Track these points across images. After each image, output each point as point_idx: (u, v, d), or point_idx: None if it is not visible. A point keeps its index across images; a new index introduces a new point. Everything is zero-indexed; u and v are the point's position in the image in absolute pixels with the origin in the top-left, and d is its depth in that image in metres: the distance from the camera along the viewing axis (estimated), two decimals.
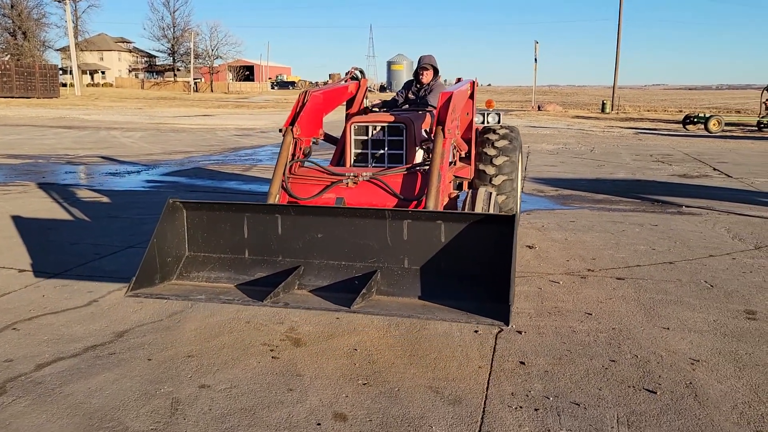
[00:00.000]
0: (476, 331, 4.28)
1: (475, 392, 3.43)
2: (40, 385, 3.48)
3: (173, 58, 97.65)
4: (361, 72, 6.51)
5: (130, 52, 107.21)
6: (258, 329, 4.31)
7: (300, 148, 5.13)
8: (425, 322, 4.40)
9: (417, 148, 5.34)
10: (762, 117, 29.01)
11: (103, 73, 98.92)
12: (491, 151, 6.23)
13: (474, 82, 6.05)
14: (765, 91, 30.74)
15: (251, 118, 33.14)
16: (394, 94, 6.83)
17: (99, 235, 6.91)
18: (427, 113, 5.95)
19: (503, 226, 3.52)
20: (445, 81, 8.33)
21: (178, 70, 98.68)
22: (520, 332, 4.28)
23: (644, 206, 9.16)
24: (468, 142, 6.07)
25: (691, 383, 3.54)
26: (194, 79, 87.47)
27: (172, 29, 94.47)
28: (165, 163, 13.64)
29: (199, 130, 23.67)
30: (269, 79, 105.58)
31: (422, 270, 3.78)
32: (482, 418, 3.17)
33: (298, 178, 4.96)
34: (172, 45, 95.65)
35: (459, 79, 6.25)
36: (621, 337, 4.21)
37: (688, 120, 29.13)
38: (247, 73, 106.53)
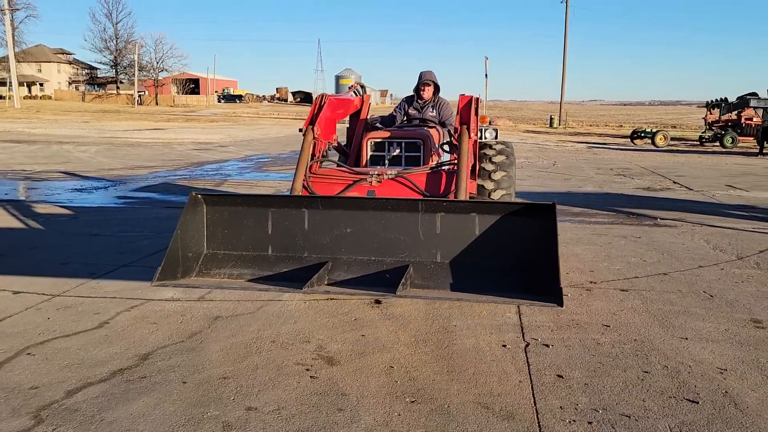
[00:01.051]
0: (504, 345, 4.31)
1: (524, 407, 3.45)
2: (77, 412, 3.33)
3: (116, 71, 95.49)
4: (363, 87, 6.51)
5: (70, 63, 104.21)
6: (286, 348, 4.23)
7: (319, 150, 5.11)
8: (453, 337, 4.42)
9: (434, 155, 5.38)
10: (703, 132, 30.33)
11: (41, 85, 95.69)
12: (489, 166, 6.32)
13: (476, 98, 6.13)
14: (706, 108, 32.18)
15: (205, 132, 32.63)
16: (392, 109, 6.86)
17: (87, 254, 6.67)
18: (436, 129, 5.99)
19: (544, 213, 3.60)
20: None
21: (121, 82, 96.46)
22: (547, 345, 4.33)
23: (621, 219, 9.43)
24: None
25: (726, 392, 3.65)
26: (138, 91, 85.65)
27: (114, 41, 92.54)
28: (131, 179, 13.29)
29: (155, 144, 23.17)
30: (216, 92, 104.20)
31: (456, 263, 3.83)
32: None
33: (319, 177, 4.94)
34: (115, 57, 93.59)
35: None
36: (645, 348, 4.31)
37: (635, 135, 30.21)
38: (192, 86, 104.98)
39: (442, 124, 6.58)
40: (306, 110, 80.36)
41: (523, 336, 4.50)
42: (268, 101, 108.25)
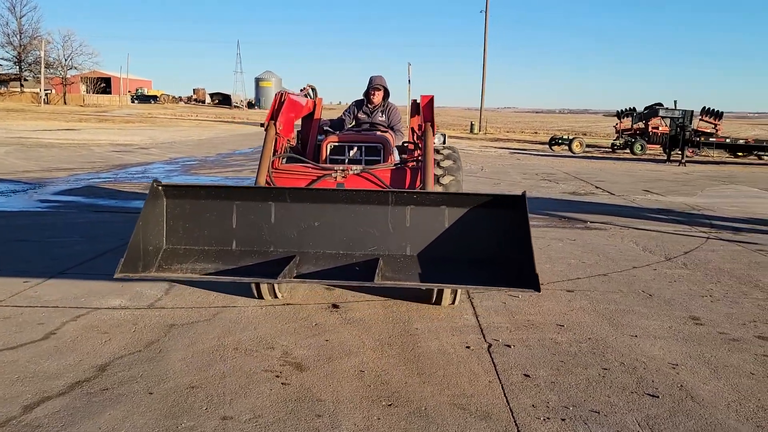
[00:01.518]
0: (468, 347, 4.39)
1: (498, 407, 3.52)
2: (40, 428, 3.15)
3: (20, 67, 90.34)
4: (314, 90, 6.46)
5: None
6: (250, 355, 4.15)
7: (281, 145, 5.05)
8: (417, 340, 4.45)
9: (391, 158, 5.41)
10: (615, 140, 31.84)
11: None
12: (437, 171, 6.41)
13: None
14: (617, 117, 33.83)
15: (122, 133, 31.41)
16: (341, 113, 6.84)
17: (17, 261, 6.30)
18: (390, 133, 6.02)
19: (514, 203, 3.72)
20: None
21: (26, 80, 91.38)
22: (509, 346, 4.44)
23: (555, 222, 9.77)
24: None
25: (682, 386, 3.86)
26: (45, 90, 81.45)
27: (18, 36, 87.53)
28: (50, 182, 12.62)
29: (71, 146, 22.11)
30: (129, 92, 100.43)
31: (428, 255, 3.89)
32: (518, 431, 3.27)
33: (283, 172, 4.87)
34: (19, 53, 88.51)
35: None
36: (601, 346, 4.49)
37: (554, 141, 31.33)
38: (103, 85, 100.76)
39: (391, 129, 6.62)
40: (225, 112, 78.08)
41: (484, 337, 4.59)
42: (185, 102, 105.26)
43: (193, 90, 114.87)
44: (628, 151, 29.50)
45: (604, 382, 3.87)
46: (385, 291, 5.57)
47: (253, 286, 5.15)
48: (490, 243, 3.94)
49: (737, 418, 3.46)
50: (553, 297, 5.66)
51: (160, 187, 3.98)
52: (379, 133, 6.02)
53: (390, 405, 3.50)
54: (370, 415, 3.38)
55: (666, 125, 29.95)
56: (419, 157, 4.73)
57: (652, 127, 31.06)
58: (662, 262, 7.15)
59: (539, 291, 3.52)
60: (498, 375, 3.94)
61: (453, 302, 5.17)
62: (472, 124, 49.40)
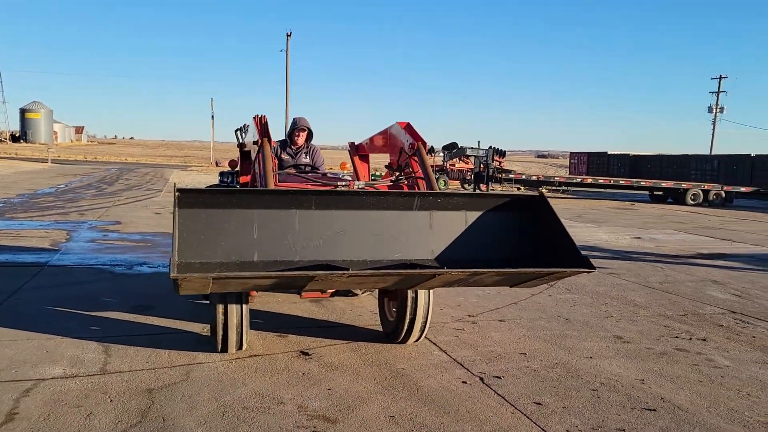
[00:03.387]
0: (465, 382, 4.56)
1: None
2: None
3: None
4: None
5: None
6: (267, 413, 3.92)
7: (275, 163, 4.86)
8: (413, 381, 4.53)
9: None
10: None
11: None
12: None
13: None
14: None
15: None
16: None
17: None
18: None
19: (537, 202, 3.99)
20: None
21: None
22: (498, 377, 4.69)
23: None
24: None
25: (663, 398, 4.40)
26: None
27: None
28: None
29: None
30: None
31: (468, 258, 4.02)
32: None
33: (288, 187, 4.67)
34: None
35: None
36: (571, 370, 4.92)
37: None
38: None
39: (316, 170, 6.62)
40: None
41: (470, 371, 4.78)
42: None
43: None
44: None
45: (604, 402, 4.28)
46: (345, 334, 5.55)
47: (219, 338, 4.83)
48: (516, 242, 4.15)
49: (725, 420, 4.05)
50: (493, 327, 6.04)
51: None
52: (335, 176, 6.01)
53: None
54: None
55: (465, 163, 32.69)
56: (412, 174, 4.81)
57: (450, 165, 33.73)
58: (548, 288, 7.91)
59: (594, 268, 3.84)
60: (514, 405, 4.16)
61: (418, 339, 5.30)
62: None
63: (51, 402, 3.98)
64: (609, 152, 44.20)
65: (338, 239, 3.88)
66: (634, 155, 43.42)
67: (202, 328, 5.67)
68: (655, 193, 28.74)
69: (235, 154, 6.71)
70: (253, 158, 6.17)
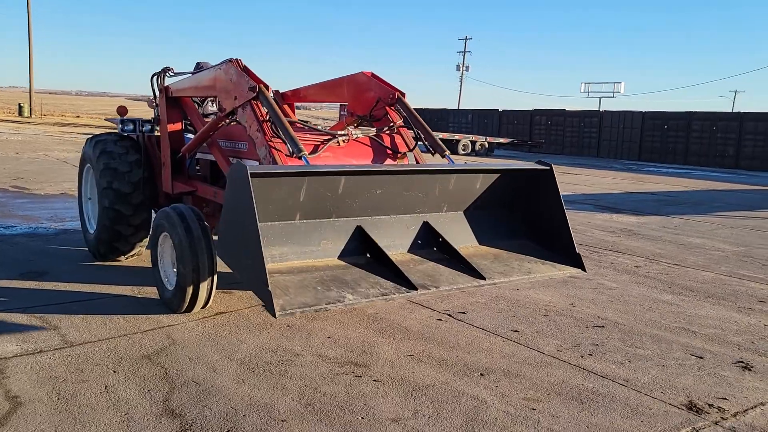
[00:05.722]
0: (440, 320, 4.89)
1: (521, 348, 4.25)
2: None
3: None
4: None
5: None
6: (294, 364, 3.87)
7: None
8: (404, 326, 4.74)
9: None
10: None
11: None
12: None
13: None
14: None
15: None
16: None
17: None
18: None
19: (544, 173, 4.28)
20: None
21: None
22: (463, 313, 5.09)
23: None
24: None
25: (599, 317, 5.17)
26: None
27: None
28: None
29: None
30: None
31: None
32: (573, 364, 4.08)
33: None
34: None
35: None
36: (512, 301, 5.51)
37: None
38: None
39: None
40: None
41: (434, 310, 5.12)
42: None
43: None
44: None
45: (563, 325, 4.92)
46: None
47: (188, 297, 4.54)
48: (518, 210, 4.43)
49: (655, 329, 4.92)
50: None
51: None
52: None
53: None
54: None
55: None
56: (392, 124, 4.80)
57: None
58: None
59: (585, 270, 4.23)
60: (498, 334, 4.61)
61: None
62: (20, 106, 43.60)
63: (45, 380, 3.50)
64: None
65: (372, 199, 3.89)
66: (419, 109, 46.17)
67: (134, 291, 5.22)
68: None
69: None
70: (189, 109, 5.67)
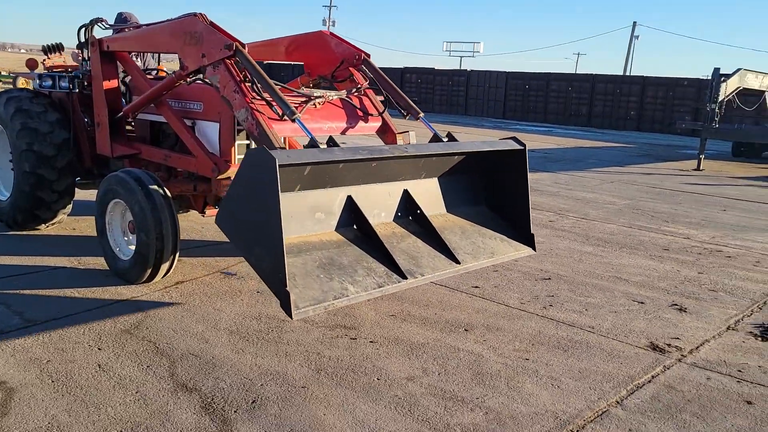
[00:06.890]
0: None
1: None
2: None
3: None
4: None
5: None
6: (284, 329, 3.83)
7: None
8: None
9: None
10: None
11: None
12: None
13: None
14: (44, 53, 31.66)
15: None
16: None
17: None
18: None
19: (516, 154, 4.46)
20: None
21: None
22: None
23: None
24: None
25: (544, 270, 5.52)
26: None
27: None
28: None
29: None
30: None
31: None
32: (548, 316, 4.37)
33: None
34: None
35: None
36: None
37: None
38: None
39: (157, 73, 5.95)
40: None
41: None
42: None
43: None
44: None
45: (515, 280, 5.21)
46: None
47: (150, 267, 4.30)
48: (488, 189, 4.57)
49: (595, 279, 5.35)
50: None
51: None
52: None
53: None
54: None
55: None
56: (359, 86, 4.71)
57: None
58: None
59: (535, 250, 4.42)
60: (463, 291, 4.81)
61: None
62: None
63: (26, 363, 3.24)
64: None
65: (364, 169, 3.88)
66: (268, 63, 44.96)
67: (72, 261, 4.86)
68: None
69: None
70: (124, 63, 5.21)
